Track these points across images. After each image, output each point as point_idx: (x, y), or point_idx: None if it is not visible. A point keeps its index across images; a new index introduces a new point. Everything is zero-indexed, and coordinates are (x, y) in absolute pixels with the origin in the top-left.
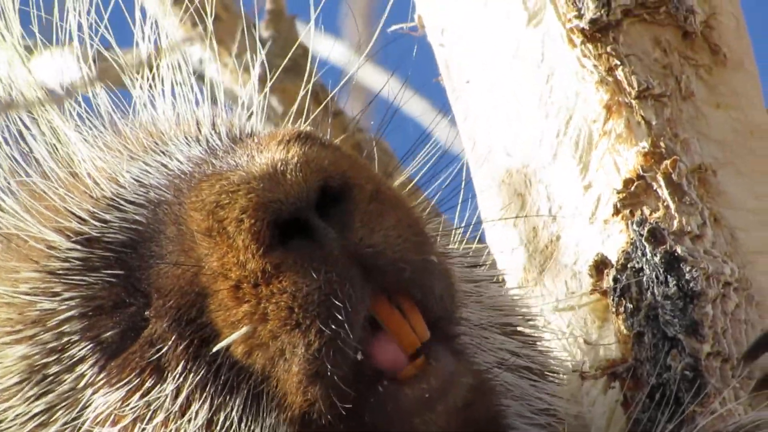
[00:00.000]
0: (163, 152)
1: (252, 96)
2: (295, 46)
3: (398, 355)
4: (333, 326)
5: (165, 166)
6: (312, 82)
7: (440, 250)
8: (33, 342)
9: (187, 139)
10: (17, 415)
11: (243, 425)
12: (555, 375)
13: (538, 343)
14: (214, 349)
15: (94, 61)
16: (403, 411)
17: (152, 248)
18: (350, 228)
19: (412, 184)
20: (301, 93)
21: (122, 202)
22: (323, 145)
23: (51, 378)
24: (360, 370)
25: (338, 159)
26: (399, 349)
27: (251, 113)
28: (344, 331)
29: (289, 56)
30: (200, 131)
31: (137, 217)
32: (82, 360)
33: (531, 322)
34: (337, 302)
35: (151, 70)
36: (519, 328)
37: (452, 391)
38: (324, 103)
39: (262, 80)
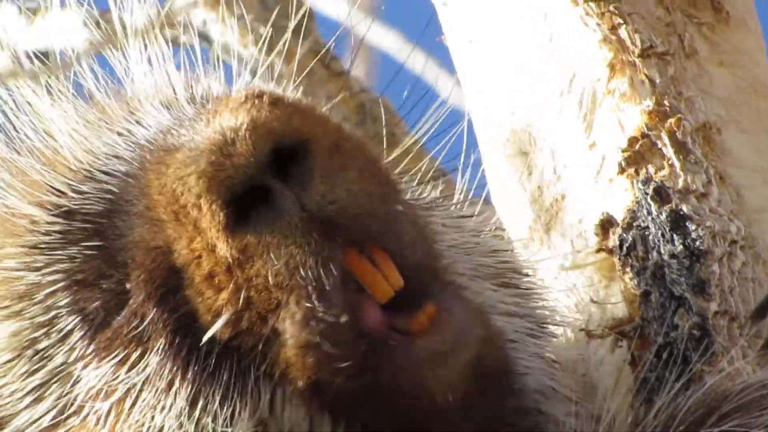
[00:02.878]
0: (136, 121)
1: (250, 56)
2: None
3: (378, 315)
4: (311, 297)
5: (133, 134)
6: (314, 43)
7: (408, 199)
8: (21, 317)
9: (159, 104)
10: (13, 392)
11: (228, 403)
12: (558, 332)
13: (537, 297)
14: (202, 341)
15: (98, 24)
16: (416, 365)
17: (125, 219)
18: (310, 185)
19: (415, 143)
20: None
21: (97, 173)
22: (274, 104)
23: (42, 353)
24: (360, 330)
25: (290, 116)
26: (379, 310)
27: (244, 73)
28: (324, 299)
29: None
30: (176, 96)
31: (110, 187)
32: (70, 333)
33: (530, 278)
34: (308, 274)
35: (132, 37)
36: (515, 281)
37: (466, 343)
38: (325, 62)
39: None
